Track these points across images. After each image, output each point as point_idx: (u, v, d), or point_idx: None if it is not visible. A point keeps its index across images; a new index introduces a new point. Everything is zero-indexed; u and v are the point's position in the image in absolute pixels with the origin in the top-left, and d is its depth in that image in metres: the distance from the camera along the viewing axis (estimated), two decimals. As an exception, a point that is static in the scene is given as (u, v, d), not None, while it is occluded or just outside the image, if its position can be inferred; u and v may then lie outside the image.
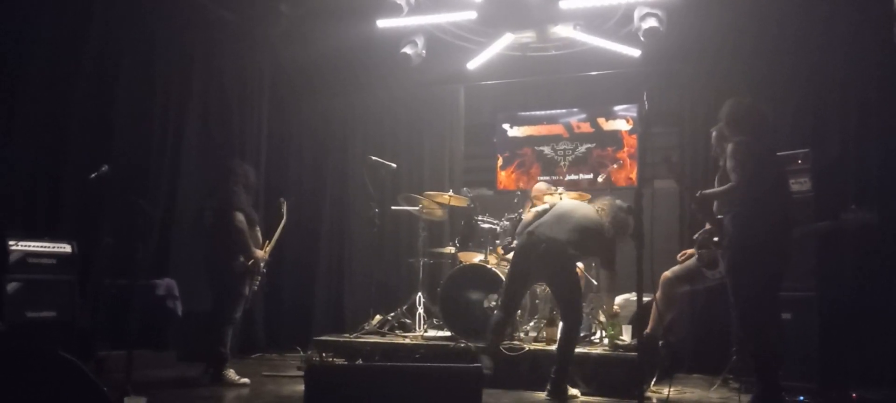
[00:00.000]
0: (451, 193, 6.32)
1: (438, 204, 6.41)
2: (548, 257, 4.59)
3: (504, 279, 5.00)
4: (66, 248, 5.27)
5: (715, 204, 4.09)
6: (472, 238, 5.97)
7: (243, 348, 6.77)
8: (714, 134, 4.41)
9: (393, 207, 6.86)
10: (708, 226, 4.60)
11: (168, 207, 6.53)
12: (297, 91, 7.84)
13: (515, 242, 5.24)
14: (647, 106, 3.37)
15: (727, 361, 5.15)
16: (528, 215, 5.35)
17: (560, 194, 5.94)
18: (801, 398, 4.60)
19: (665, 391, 4.91)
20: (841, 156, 5.72)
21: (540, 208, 5.30)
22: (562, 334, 4.65)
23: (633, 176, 7.19)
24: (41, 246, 5.12)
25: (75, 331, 5.22)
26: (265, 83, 7.66)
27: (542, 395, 4.56)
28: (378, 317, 6.22)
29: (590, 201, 5.16)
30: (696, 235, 4.64)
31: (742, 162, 3.75)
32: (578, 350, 5.14)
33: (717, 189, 3.98)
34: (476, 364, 2.84)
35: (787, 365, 4.07)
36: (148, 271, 5.91)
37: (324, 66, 7.55)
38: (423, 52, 6.67)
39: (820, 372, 4.76)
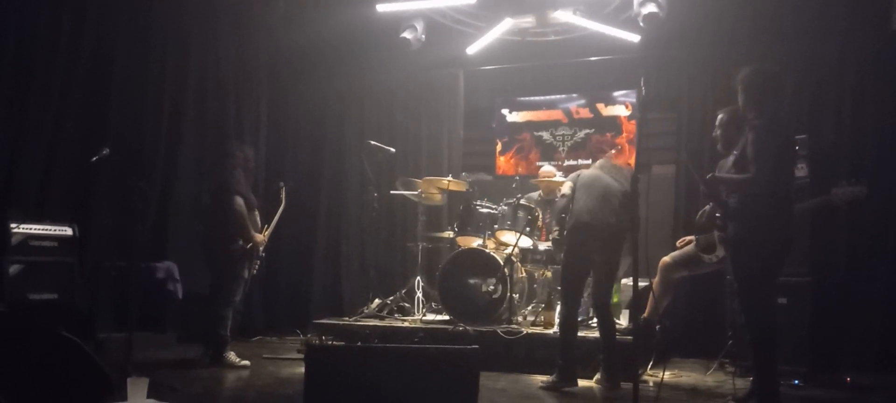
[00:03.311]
0: (450, 178, 6.34)
1: (437, 189, 6.42)
2: (611, 242, 4.57)
3: (562, 272, 4.74)
4: (67, 231, 5.30)
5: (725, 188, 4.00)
6: (471, 222, 6.00)
7: (242, 331, 6.81)
8: (721, 117, 4.33)
9: (391, 191, 6.88)
10: (707, 208, 4.60)
11: (166, 190, 6.54)
12: (296, 74, 7.83)
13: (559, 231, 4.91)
14: (644, 92, 3.37)
15: (723, 345, 5.21)
16: (562, 200, 4.82)
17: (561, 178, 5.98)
18: (796, 381, 4.66)
19: (661, 374, 4.97)
20: (836, 142, 5.75)
21: (566, 190, 4.83)
22: (609, 322, 4.63)
23: (632, 161, 7.21)
24: (42, 229, 5.15)
25: (76, 313, 5.26)
26: (263, 66, 7.65)
27: (543, 378, 4.61)
28: (377, 301, 6.26)
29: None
30: (698, 216, 4.62)
31: (763, 152, 3.60)
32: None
33: (732, 176, 3.89)
34: (474, 346, 2.87)
35: (782, 349, 4.10)
36: (148, 253, 5.94)
37: (322, 50, 7.54)
38: (423, 36, 6.67)
39: (813, 356, 4.81)
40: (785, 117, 3.78)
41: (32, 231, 5.09)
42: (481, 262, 5.62)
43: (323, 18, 7.14)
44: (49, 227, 5.20)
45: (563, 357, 4.52)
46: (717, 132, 4.32)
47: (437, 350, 3.02)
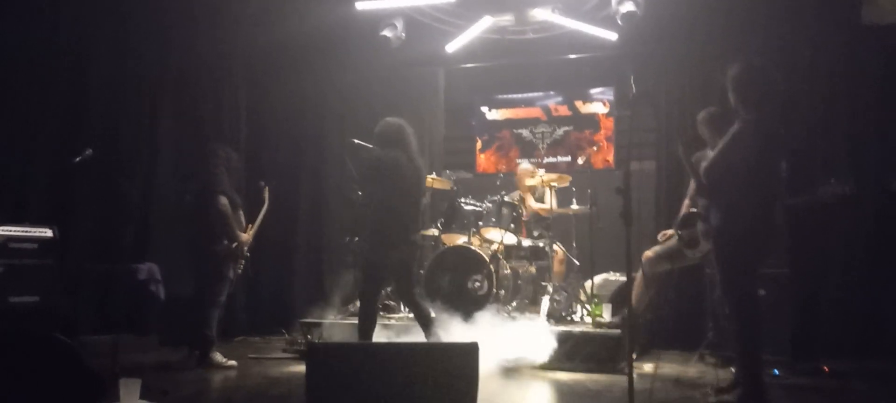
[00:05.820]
0: (434, 175, 6.36)
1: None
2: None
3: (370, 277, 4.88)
4: (47, 233, 5.21)
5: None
6: (456, 220, 6.03)
7: (225, 331, 6.72)
8: (703, 115, 4.41)
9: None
10: (689, 209, 4.69)
11: (146, 191, 6.46)
12: (275, 72, 7.73)
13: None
14: (634, 89, 3.44)
15: (704, 337, 5.32)
16: None
17: (541, 176, 6.06)
18: (775, 371, 4.77)
19: (645, 367, 5.07)
20: (810, 137, 5.89)
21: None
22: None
23: (610, 158, 7.32)
24: (22, 231, 5.07)
25: (57, 316, 5.17)
26: (242, 64, 7.56)
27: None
28: (362, 299, 6.24)
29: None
30: (681, 215, 4.69)
31: (733, 145, 3.67)
32: (561, 328, 5.30)
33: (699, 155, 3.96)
34: (474, 341, 2.91)
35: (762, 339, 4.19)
36: (130, 255, 5.87)
37: (302, 48, 7.47)
38: (403, 34, 6.66)
39: (792, 346, 4.94)
40: (774, 113, 3.84)
41: (12, 233, 5.01)
42: (467, 259, 5.66)
43: (301, 16, 7.07)
44: (29, 229, 5.12)
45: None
46: (705, 132, 4.40)
47: (439, 346, 3.07)
